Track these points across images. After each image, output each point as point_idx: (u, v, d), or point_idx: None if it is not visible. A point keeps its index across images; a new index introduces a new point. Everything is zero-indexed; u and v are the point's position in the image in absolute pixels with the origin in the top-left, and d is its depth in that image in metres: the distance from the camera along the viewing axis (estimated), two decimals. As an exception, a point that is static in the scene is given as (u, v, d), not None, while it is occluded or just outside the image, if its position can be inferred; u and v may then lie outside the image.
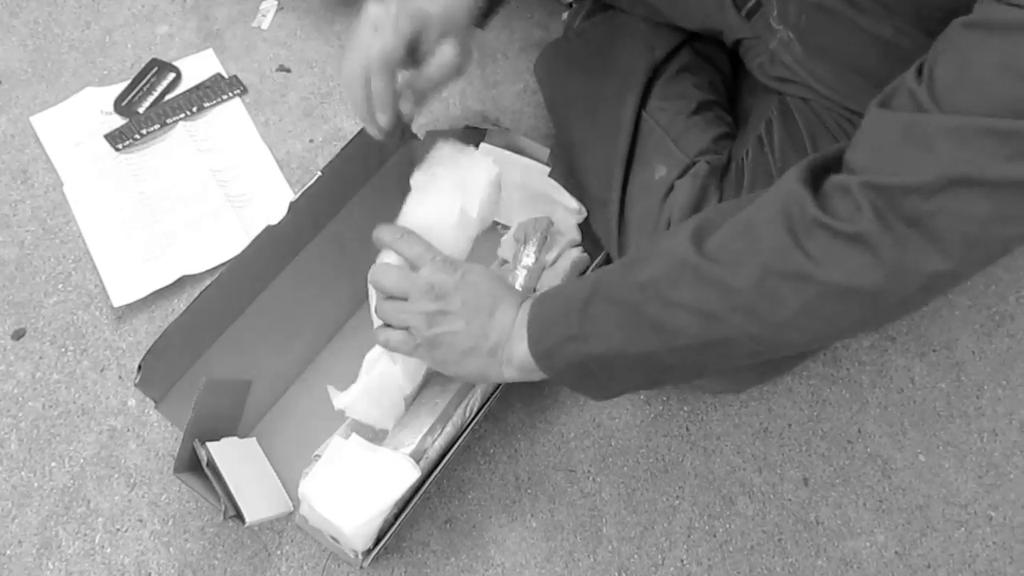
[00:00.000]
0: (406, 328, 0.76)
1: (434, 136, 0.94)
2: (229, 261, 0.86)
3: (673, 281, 0.63)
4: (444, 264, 0.76)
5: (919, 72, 0.55)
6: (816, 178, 0.59)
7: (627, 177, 0.90)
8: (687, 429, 0.96)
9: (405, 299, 0.76)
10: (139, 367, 0.80)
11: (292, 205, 0.87)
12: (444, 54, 0.73)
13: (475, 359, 0.75)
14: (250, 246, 0.86)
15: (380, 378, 0.82)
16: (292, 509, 0.88)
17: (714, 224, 0.64)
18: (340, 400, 0.82)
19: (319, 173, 0.88)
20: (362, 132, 0.89)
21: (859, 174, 0.56)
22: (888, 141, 0.55)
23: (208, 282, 0.99)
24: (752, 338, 0.61)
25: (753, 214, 0.61)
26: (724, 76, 1.00)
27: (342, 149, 0.89)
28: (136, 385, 0.81)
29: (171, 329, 0.82)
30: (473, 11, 0.75)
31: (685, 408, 0.97)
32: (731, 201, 0.69)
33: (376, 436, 0.86)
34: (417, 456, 0.83)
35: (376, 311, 0.79)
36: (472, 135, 1.01)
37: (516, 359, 0.73)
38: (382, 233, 0.79)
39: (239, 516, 0.80)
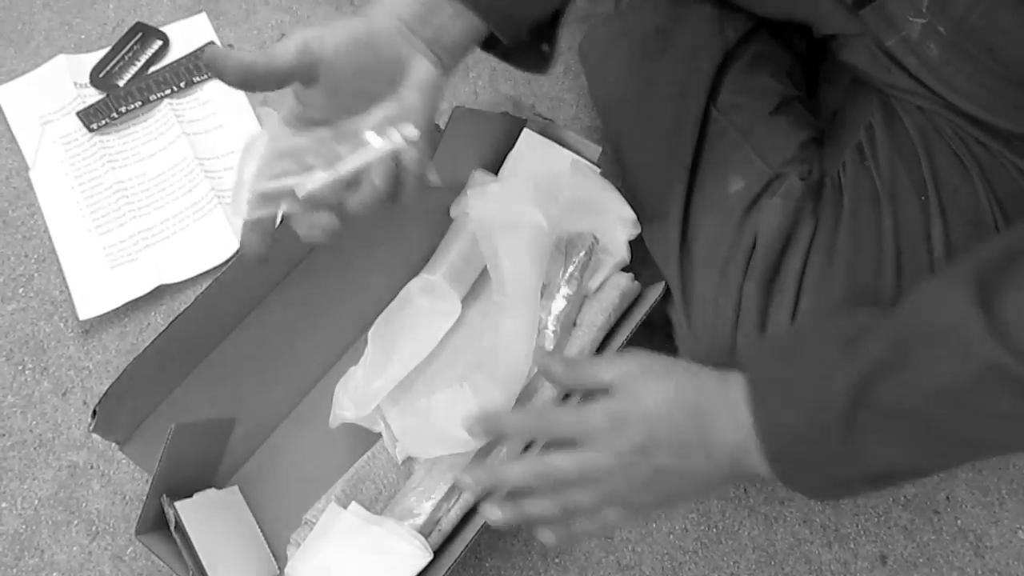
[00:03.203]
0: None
1: (463, 113, 0.79)
2: (210, 283, 0.71)
3: (983, 390, 0.49)
4: (606, 416, 0.58)
5: None
6: None
7: (691, 187, 0.75)
8: (745, 491, 0.82)
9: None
10: (94, 412, 0.67)
11: (285, 215, 0.72)
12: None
13: (712, 490, 0.66)
14: (233, 265, 0.72)
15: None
16: (278, 573, 0.75)
17: (1000, 275, 0.50)
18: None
19: None
20: None
21: None
22: None
23: (188, 292, 0.87)
24: None
25: None
26: (803, 61, 0.84)
27: None
28: (92, 431, 0.68)
29: (133, 367, 0.68)
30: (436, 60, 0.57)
31: (744, 465, 0.83)
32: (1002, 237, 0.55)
33: (379, 497, 0.73)
34: (428, 529, 0.69)
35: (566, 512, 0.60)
36: (509, 123, 0.85)
37: (753, 468, 0.58)
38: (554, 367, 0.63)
39: (211, 592, 0.66)
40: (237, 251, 0.84)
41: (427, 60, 0.56)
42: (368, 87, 0.54)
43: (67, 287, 0.86)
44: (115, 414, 0.69)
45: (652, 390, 0.59)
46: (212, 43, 1.00)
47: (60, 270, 0.87)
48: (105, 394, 0.67)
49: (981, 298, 0.49)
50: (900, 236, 0.67)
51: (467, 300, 0.79)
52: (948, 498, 0.83)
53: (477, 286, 0.81)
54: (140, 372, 0.69)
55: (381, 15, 0.55)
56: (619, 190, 0.81)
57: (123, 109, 0.94)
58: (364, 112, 0.55)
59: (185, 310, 0.70)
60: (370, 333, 0.76)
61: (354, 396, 0.72)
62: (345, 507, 0.70)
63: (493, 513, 0.60)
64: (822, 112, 0.82)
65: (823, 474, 0.56)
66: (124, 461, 0.81)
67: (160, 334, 0.69)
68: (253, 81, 0.52)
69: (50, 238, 0.89)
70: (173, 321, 0.69)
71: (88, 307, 0.85)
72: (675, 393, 0.59)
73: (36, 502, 0.79)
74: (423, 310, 0.77)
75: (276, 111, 0.56)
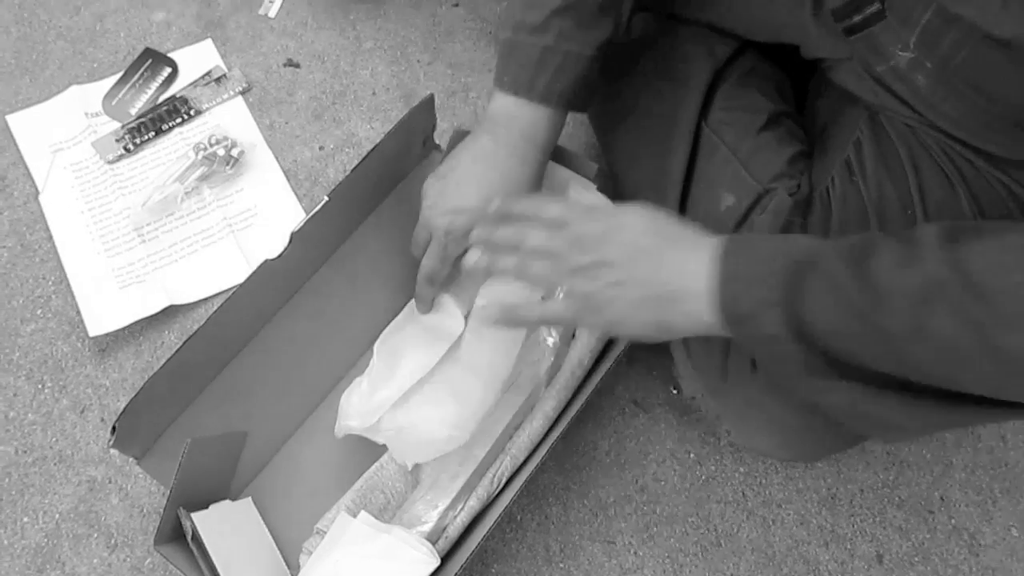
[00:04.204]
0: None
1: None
2: (223, 303, 0.74)
3: (922, 296, 0.51)
4: (591, 211, 0.64)
5: None
6: None
7: (683, 203, 0.77)
8: (743, 495, 0.84)
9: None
10: (113, 428, 0.69)
11: (294, 235, 0.75)
12: (467, 261, 0.71)
13: (649, 310, 0.61)
14: (244, 285, 0.74)
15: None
16: (291, 580, 0.77)
17: (966, 231, 0.52)
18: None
19: (326, 199, 0.75)
20: (375, 149, 0.77)
21: None
22: None
23: (200, 311, 0.90)
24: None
25: None
26: (792, 77, 0.86)
27: (352, 170, 0.77)
28: (111, 447, 0.70)
29: (150, 384, 0.70)
30: (532, 176, 0.75)
31: (741, 469, 0.85)
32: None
33: (388, 506, 0.75)
34: (435, 536, 0.72)
35: (521, 274, 0.66)
36: None
37: (702, 312, 0.59)
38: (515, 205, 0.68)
39: (227, 601, 0.69)
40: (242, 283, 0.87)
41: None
42: None
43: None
44: (133, 430, 0.72)
45: (625, 213, 0.64)
46: (219, 67, 1.03)
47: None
48: (124, 411, 0.69)
49: (946, 236, 0.52)
50: None
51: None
52: (942, 498, 0.85)
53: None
54: (156, 389, 0.71)
55: (529, 158, 0.74)
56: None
57: (138, 141, 0.97)
58: None
59: (198, 330, 0.72)
60: (376, 345, 0.78)
61: (358, 407, 0.75)
62: (355, 516, 0.72)
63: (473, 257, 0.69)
64: (812, 126, 0.84)
65: (760, 328, 0.56)
66: (141, 475, 0.84)
67: (175, 353, 0.72)
68: None
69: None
70: (187, 340, 0.72)
71: (98, 324, 0.87)
72: (644, 214, 0.63)
73: (57, 516, 0.82)
74: (428, 325, 0.79)
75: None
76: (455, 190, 0.74)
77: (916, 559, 0.82)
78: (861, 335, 0.53)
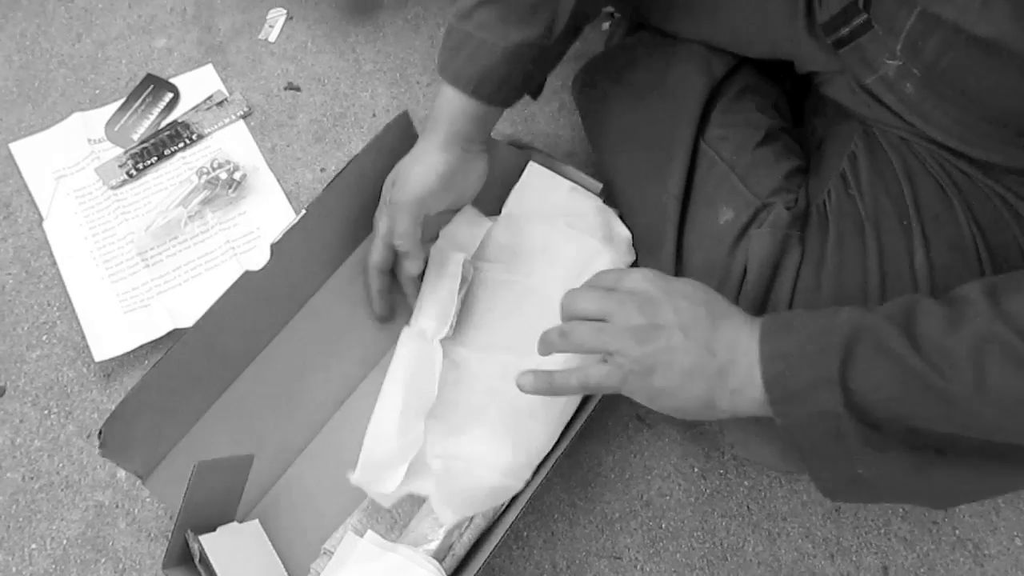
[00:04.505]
0: (604, 359, 0.64)
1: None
2: (206, 310, 0.75)
3: (976, 354, 0.52)
4: (646, 273, 0.65)
5: None
6: None
7: (682, 218, 0.78)
8: (748, 508, 0.84)
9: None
10: (100, 432, 0.70)
11: (274, 246, 0.77)
12: (406, 269, 0.81)
13: (700, 381, 0.60)
14: (226, 294, 0.76)
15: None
16: (299, 602, 0.78)
17: (1006, 282, 0.54)
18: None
19: (304, 211, 0.79)
20: (353, 161, 0.80)
21: None
22: None
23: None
24: None
25: None
26: (788, 94, 0.87)
27: (328, 185, 0.79)
28: (101, 454, 0.71)
29: (138, 389, 0.72)
30: (472, 180, 0.81)
31: (746, 483, 0.85)
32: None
33: (395, 526, 0.76)
34: (441, 554, 0.72)
35: (566, 338, 0.65)
36: (513, 156, 0.89)
37: (749, 390, 0.59)
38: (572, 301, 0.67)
39: (236, 625, 0.69)
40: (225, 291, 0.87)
41: (483, 161, 0.80)
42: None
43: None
44: (125, 439, 0.72)
45: (679, 281, 0.65)
46: (220, 92, 1.04)
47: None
48: (110, 416, 0.70)
49: (988, 290, 0.53)
50: (885, 261, 0.69)
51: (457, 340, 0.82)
52: (946, 510, 0.85)
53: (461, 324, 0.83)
54: (145, 395, 0.73)
55: (451, 147, 0.77)
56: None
57: (141, 166, 0.98)
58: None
59: (183, 337, 0.74)
60: (381, 392, 0.78)
61: (382, 471, 0.73)
62: (362, 536, 0.72)
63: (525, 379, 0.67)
64: (809, 142, 0.84)
65: (814, 405, 0.56)
66: (148, 500, 0.84)
67: (161, 358, 0.73)
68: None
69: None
70: (172, 347, 0.73)
71: (103, 349, 0.88)
72: (697, 286, 0.64)
73: (64, 542, 0.82)
74: (411, 357, 0.79)
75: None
76: (394, 188, 0.78)
77: (922, 570, 0.83)
78: (923, 401, 0.54)
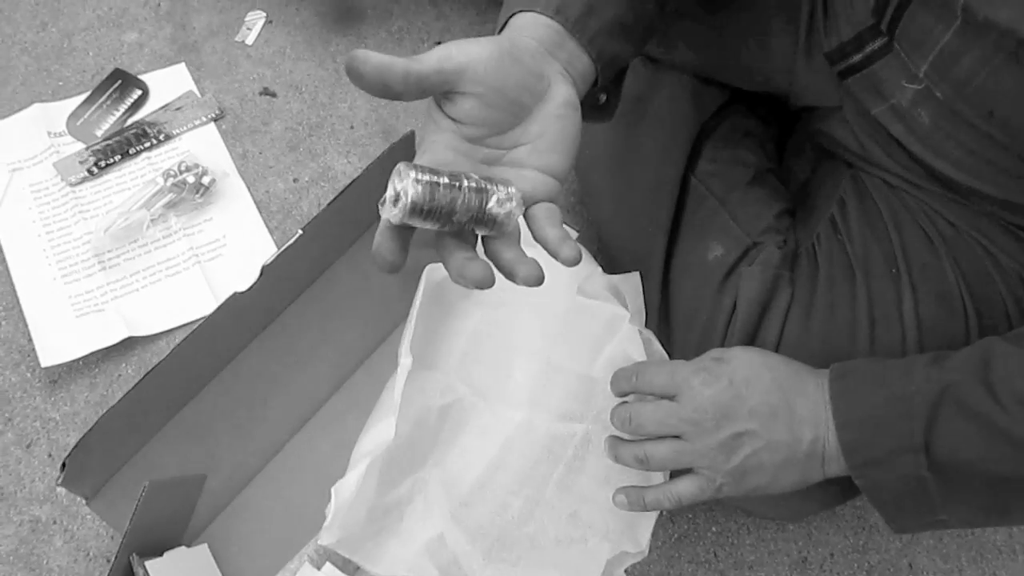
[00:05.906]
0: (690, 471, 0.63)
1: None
2: (187, 336, 0.70)
3: None
4: (698, 371, 0.62)
5: None
6: None
7: (669, 251, 0.77)
8: (715, 555, 0.82)
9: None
10: (63, 465, 0.65)
11: (265, 268, 0.73)
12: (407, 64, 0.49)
13: (793, 470, 0.60)
14: (211, 318, 0.71)
15: None
16: (246, 634, 0.73)
17: None
18: None
19: (300, 232, 0.73)
20: (354, 183, 0.75)
21: None
22: None
23: (161, 344, 0.86)
24: None
25: None
26: (772, 132, 0.87)
27: (328, 204, 0.75)
28: (59, 485, 0.66)
29: (106, 419, 0.67)
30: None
31: (713, 529, 0.83)
32: None
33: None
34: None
35: (646, 464, 0.63)
36: None
37: (840, 459, 0.59)
38: (620, 384, 0.66)
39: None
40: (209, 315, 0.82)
41: (566, 81, 0.53)
42: (516, 99, 0.51)
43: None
44: (84, 468, 0.68)
45: (742, 356, 0.62)
46: (191, 92, 1.00)
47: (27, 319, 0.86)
48: (75, 447, 0.65)
49: None
50: (874, 307, 0.68)
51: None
52: (911, 564, 0.84)
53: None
54: (111, 425, 0.68)
55: (520, 36, 0.53)
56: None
57: (103, 164, 0.93)
58: (514, 127, 0.52)
59: (159, 364, 0.69)
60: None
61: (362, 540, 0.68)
62: (319, 568, 0.69)
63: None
64: (790, 184, 0.84)
65: (897, 470, 0.56)
66: (89, 517, 0.79)
67: (133, 387, 0.68)
68: (392, 84, 0.47)
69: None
70: (147, 375, 0.68)
71: (51, 355, 0.83)
72: (763, 358, 0.62)
73: (-6, 559, 0.77)
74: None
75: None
76: None
77: (888, 625, 0.82)
78: (1010, 454, 0.54)
